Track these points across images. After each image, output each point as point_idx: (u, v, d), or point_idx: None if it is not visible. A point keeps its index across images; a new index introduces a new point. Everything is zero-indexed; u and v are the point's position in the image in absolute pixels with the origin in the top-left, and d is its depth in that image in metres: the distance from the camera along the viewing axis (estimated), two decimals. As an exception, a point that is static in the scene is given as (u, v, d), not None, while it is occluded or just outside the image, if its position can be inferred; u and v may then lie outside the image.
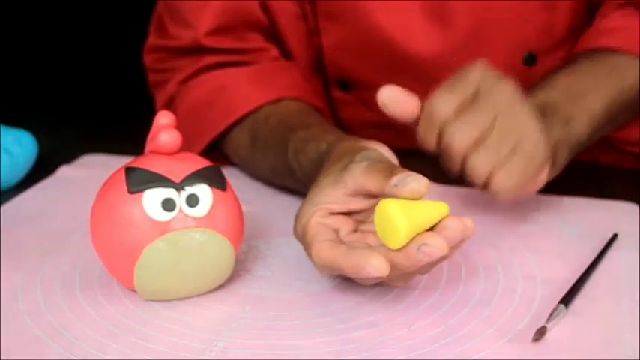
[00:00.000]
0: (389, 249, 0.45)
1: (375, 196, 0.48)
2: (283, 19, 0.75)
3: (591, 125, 0.62)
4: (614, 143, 0.78)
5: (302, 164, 0.59)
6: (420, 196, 0.45)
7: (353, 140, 0.55)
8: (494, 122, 0.53)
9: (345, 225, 0.50)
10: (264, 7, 0.74)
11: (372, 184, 0.48)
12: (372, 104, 0.78)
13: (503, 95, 0.54)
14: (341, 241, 0.48)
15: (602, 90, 0.64)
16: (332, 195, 0.49)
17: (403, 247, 0.44)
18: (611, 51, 0.66)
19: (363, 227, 0.50)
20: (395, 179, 0.46)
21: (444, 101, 0.54)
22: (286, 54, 0.77)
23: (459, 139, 0.53)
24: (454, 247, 0.46)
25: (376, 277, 0.46)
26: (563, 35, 0.73)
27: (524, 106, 0.55)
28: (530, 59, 0.73)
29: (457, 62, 0.72)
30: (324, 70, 0.78)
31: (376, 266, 0.44)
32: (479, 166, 0.53)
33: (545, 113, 0.58)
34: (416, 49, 0.72)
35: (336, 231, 0.49)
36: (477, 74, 0.54)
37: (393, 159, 0.53)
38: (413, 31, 0.72)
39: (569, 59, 0.68)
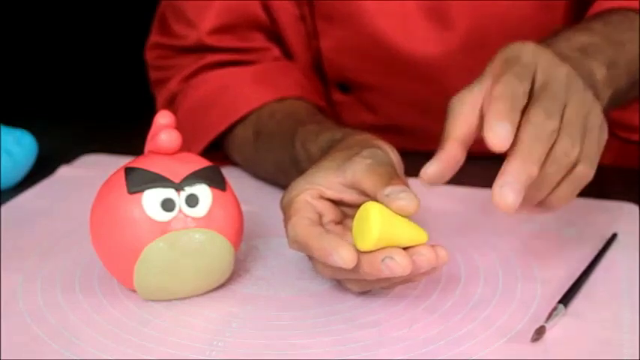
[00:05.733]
0: (357, 249, 0.45)
1: (368, 196, 0.48)
2: (284, 20, 0.75)
3: (629, 76, 0.59)
4: (616, 131, 0.78)
5: (310, 153, 0.59)
6: (407, 214, 0.45)
7: (367, 135, 0.55)
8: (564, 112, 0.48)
9: (330, 213, 0.50)
10: (266, 8, 0.74)
11: (368, 183, 0.48)
12: (372, 106, 0.78)
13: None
14: (321, 225, 0.49)
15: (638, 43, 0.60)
16: (329, 179, 0.50)
17: (369, 252, 0.44)
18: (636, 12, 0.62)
19: (347, 222, 0.51)
20: (389, 189, 0.46)
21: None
22: (287, 55, 0.77)
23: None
24: (423, 273, 0.46)
25: (338, 269, 0.46)
26: None
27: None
28: None
29: (456, 63, 0.72)
30: (324, 72, 0.78)
31: (343, 256, 0.44)
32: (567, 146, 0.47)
33: (587, 53, 0.55)
34: (415, 51, 0.72)
35: (320, 215, 0.50)
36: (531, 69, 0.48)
37: (400, 164, 0.53)
38: (412, 32, 0.72)
39: (596, 15, 0.62)
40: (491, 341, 0.46)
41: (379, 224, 0.44)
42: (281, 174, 0.66)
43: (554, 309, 0.48)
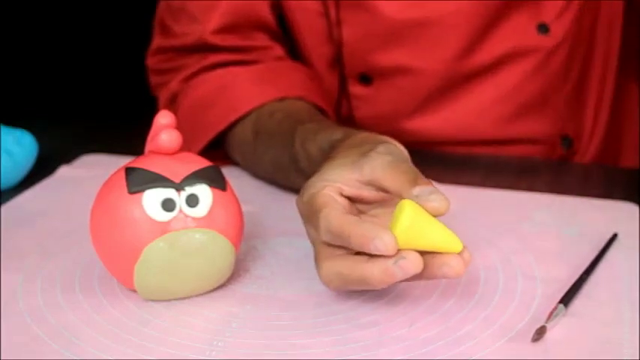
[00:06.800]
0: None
1: (389, 193, 0.48)
2: (300, 18, 0.75)
3: None
4: None
5: (310, 152, 0.59)
6: (439, 215, 0.45)
7: (370, 133, 0.55)
8: None
9: (349, 210, 0.49)
10: (280, 7, 0.74)
11: (391, 182, 0.47)
12: (393, 95, 0.78)
13: None
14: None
15: None
16: (345, 176, 0.49)
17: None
18: None
19: (362, 217, 0.50)
20: (417, 190, 0.45)
21: None
22: (299, 54, 0.77)
23: None
24: None
25: (349, 279, 0.45)
26: (579, 7, 0.74)
27: None
28: (544, 28, 0.74)
29: (481, 43, 0.73)
30: (343, 66, 0.78)
31: (386, 241, 0.43)
32: None
33: None
34: (443, 25, 0.73)
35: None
36: None
37: (408, 158, 0.52)
38: (437, 12, 0.72)
39: None
40: (492, 341, 0.46)
41: (408, 222, 0.43)
42: (280, 173, 0.66)
43: (555, 309, 0.48)
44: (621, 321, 0.48)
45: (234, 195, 0.52)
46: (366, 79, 0.78)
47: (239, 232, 0.51)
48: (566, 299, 0.49)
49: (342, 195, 0.49)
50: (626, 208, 0.64)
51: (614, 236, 0.59)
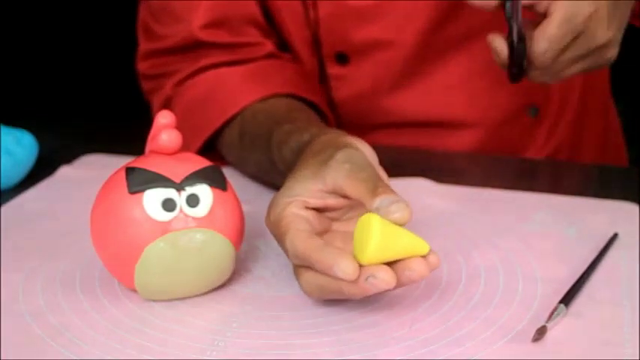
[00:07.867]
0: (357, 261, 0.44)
1: (353, 200, 0.48)
2: (279, 4, 0.75)
3: None
4: None
5: (284, 155, 0.59)
6: (401, 224, 0.45)
7: (335, 133, 0.55)
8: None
9: (317, 223, 0.49)
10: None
11: (352, 191, 0.47)
12: (370, 73, 0.78)
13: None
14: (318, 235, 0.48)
15: None
16: (309, 189, 0.49)
17: (364, 268, 0.44)
18: None
19: (335, 226, 0.50)
20: (377, 201, 0.45)
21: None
22: (284, 41, 0.77)
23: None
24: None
25: (327, 290, 0.46)
26: None
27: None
28: None
29: (455, 13, 0.73)
30: (320, 47, 0.78)
31: (344, 269, 0.43)
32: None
33: None
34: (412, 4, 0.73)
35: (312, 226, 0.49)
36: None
37: (374, 158, 0.52)
38: None
39: None
40: (492, 341, 0.46)
41: (378, 238, 0.43)
42: (264, 174, 0.66)
43: (556, 309, 0.48)
44: (621, 321, 0.48)
45: (234, 195, 0.52)
46: (343, 58, 0.78)
47: (239, 232, 0.51)
48: (567, 299, 0.49)
49: (307, 208, 0.49)
50: (626, 208, 0.64)
51: (615, 236, 0.59)
